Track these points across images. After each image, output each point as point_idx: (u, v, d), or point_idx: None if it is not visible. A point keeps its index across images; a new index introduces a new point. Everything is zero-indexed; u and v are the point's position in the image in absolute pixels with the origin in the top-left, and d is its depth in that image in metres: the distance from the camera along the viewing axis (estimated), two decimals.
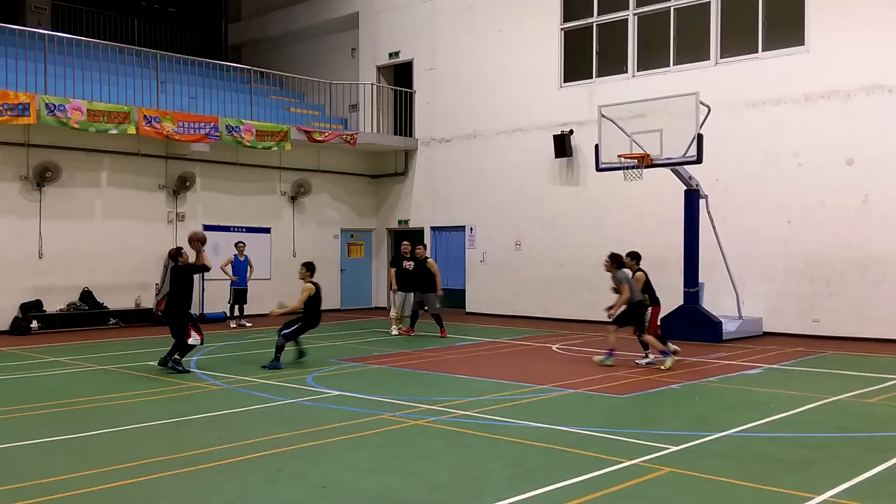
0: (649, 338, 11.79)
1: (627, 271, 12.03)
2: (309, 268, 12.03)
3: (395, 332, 15.87)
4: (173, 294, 11.35)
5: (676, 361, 11.74)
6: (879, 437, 7.54)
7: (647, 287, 12.18)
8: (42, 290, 16.65)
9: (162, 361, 11.25)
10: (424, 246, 16.49)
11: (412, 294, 15.78)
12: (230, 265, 17.34)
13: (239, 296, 17.45)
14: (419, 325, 16.00)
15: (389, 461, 6.62)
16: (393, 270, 15.99)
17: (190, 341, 10.98)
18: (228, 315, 17.78)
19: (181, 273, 11.29)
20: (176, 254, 11.47)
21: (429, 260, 15.72)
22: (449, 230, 21.34)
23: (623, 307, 11.63)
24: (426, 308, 15.68)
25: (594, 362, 11.88)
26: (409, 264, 15.81)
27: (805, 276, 15.48)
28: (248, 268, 17.54)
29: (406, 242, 16.42)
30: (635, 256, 12.41)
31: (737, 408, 8.88)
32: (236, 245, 17.69)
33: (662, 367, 11.36)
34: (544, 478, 6.05)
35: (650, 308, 12.17)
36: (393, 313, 16.09)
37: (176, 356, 11.08)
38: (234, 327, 17.13)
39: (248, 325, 17.43)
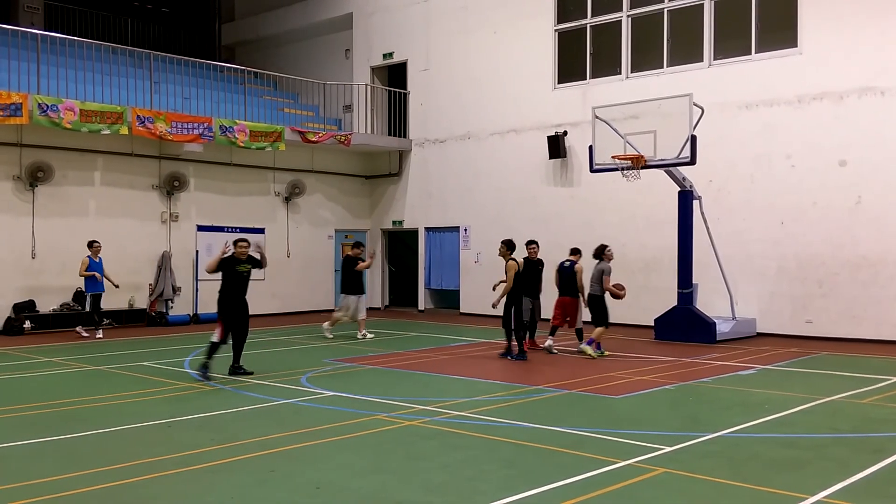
0: None
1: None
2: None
3: (329, 335, 15.23)
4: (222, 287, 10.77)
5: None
6: (872, 437, 7.57)
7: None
8: (35, 291, 16.59)
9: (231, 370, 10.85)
10: (362, 246, 15.70)
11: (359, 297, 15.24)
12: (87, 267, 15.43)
13: (96, 301, 15.63)
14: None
15: (384, 462, 6.62)
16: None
17: (212, 338, 10.47)
18: (97, 323, 15.68)
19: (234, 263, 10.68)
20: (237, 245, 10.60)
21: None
22: (443, 231, 21.34)
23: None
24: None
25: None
26: (363, 265, 15.27)
27: (798, 277, 15.52)
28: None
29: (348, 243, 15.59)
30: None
31: (730, 408, 8.90)
32: (91, 245, 15.56)
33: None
34: (538, 478, 6.06)
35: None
36: (339, 314, 15.38)
37: (207, 361, 10.48)
38: (87, 335, 15.36)
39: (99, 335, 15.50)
